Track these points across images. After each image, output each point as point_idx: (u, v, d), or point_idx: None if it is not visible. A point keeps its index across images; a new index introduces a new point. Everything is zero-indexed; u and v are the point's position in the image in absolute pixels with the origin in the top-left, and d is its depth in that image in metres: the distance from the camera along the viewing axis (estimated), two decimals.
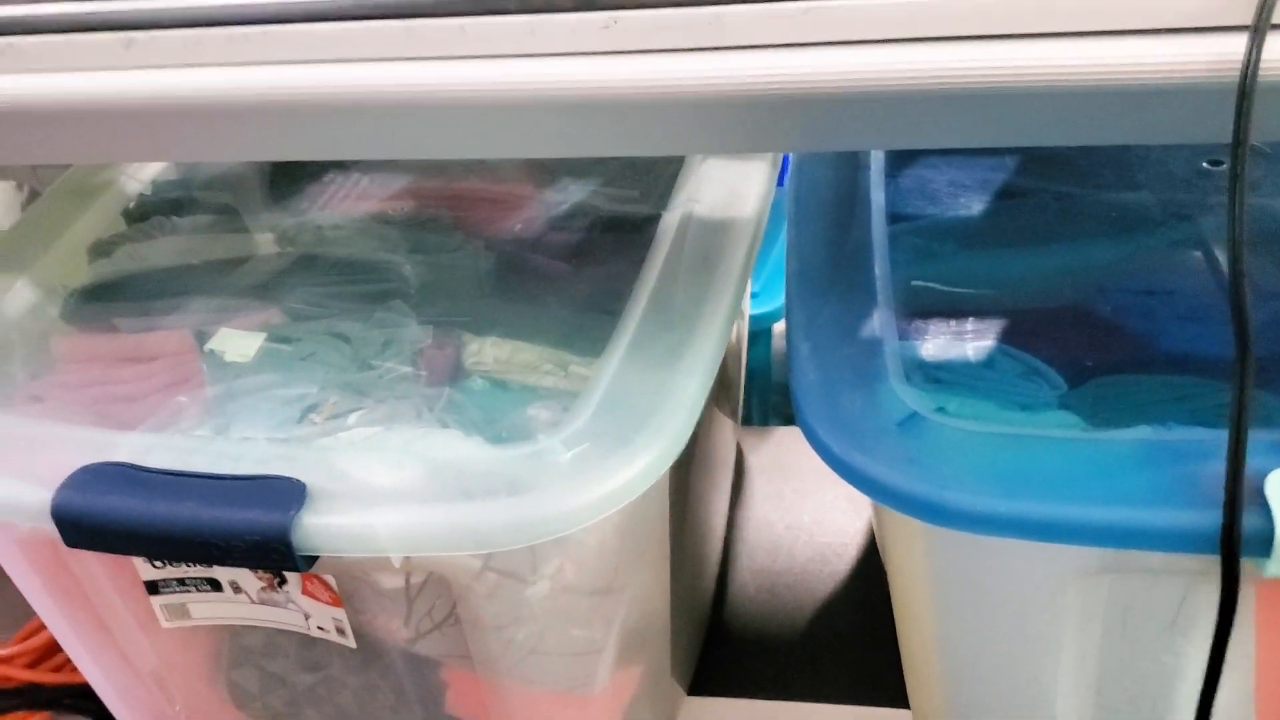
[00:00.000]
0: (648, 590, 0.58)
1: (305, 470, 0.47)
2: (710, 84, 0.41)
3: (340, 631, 0.54)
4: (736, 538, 0.86)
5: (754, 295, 0.97)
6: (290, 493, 0.46)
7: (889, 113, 0.43)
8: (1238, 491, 0.40)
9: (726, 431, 0.83)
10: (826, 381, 0.49)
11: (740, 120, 0.44)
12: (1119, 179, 0.59)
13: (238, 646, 0.59)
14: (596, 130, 0.45)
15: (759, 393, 1.06)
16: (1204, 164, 0.59)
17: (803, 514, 0.88)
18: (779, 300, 1.00)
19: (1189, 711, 0.50)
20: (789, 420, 1.21)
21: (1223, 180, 0.57)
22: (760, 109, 0.43)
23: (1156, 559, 0.44)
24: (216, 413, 0.55)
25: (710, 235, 0.60)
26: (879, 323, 0.51)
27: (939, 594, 0.51)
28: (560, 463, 0.47)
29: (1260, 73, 0.36)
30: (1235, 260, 0.37)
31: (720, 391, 0.76)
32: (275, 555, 0.46)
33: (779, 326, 1.21)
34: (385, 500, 0.47)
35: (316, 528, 0.46)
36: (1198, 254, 0.54)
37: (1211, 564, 0.41)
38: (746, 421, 1.02)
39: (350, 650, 0.55)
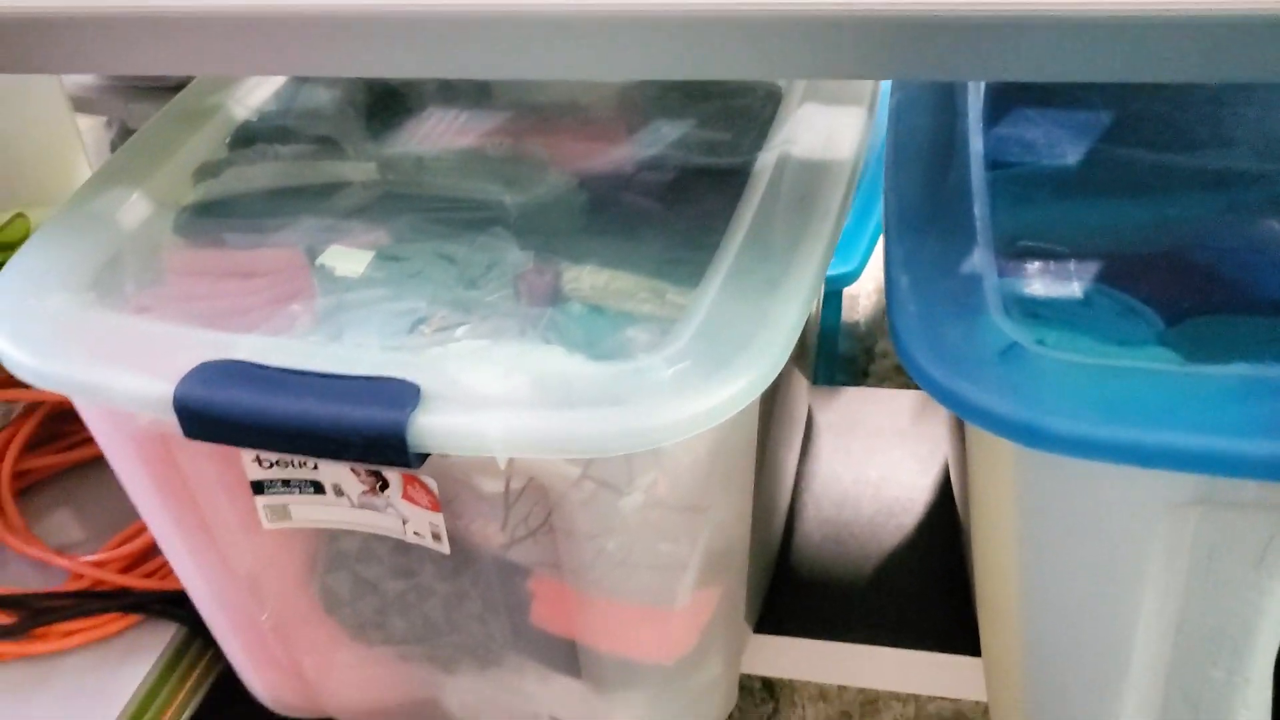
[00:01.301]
0: (731, 515, 0.59)
1: (419, 374, 0.49)
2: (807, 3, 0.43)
3: (436, 537, 0.56)
4: (804, 489, 0.87)
5: None
6: (406, 393, 0.48)
7: (989, 39, 0.44)
8: None
9: (801, 387, 0.84)
10: (926, 314, 0.50)
11: (837, 42, 0.45)
12: (1215, 136, 0.60)
13: (334, 551, 0.62)
14: (685, 50, 0.47)
15: (826, 354, 1.07)
16: None
17: (870, 469, 0.89)
18: (851, 263, 1.01)
19: (1269, 653, 0.51)
20: (855, 381, 1.22)
21: None
22: (858, 31, 0.44)
23: (1248, 491, 0.45)
24: (329, 322, 0.57)
25: (807, 175, 0.61)
26: (978, 260, 0.53)
27: (1026, 525, 0.52)
28: (661, 379, 0.49)
29: None
30: None
31: (798, 346, 0.78)
32: (391, 451, 0.48)
33: (850, 290, 1.22)
34: (494, 405, 0.48)
35: (430, 426, 0.48)
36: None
37: None
38: (814, 382, 1.03)
39: (443, 557, 0.57)
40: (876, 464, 0.90)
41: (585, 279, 0.60)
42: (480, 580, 0.59)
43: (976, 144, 0.61)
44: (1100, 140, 0.61)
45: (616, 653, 0.60)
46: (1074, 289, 0.52)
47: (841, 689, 0.95)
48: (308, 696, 0.70)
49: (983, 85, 0.64)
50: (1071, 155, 0.60)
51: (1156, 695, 0.54)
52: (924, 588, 0.80)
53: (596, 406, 0.48)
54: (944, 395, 0.47)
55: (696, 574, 0.58)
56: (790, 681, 0.96)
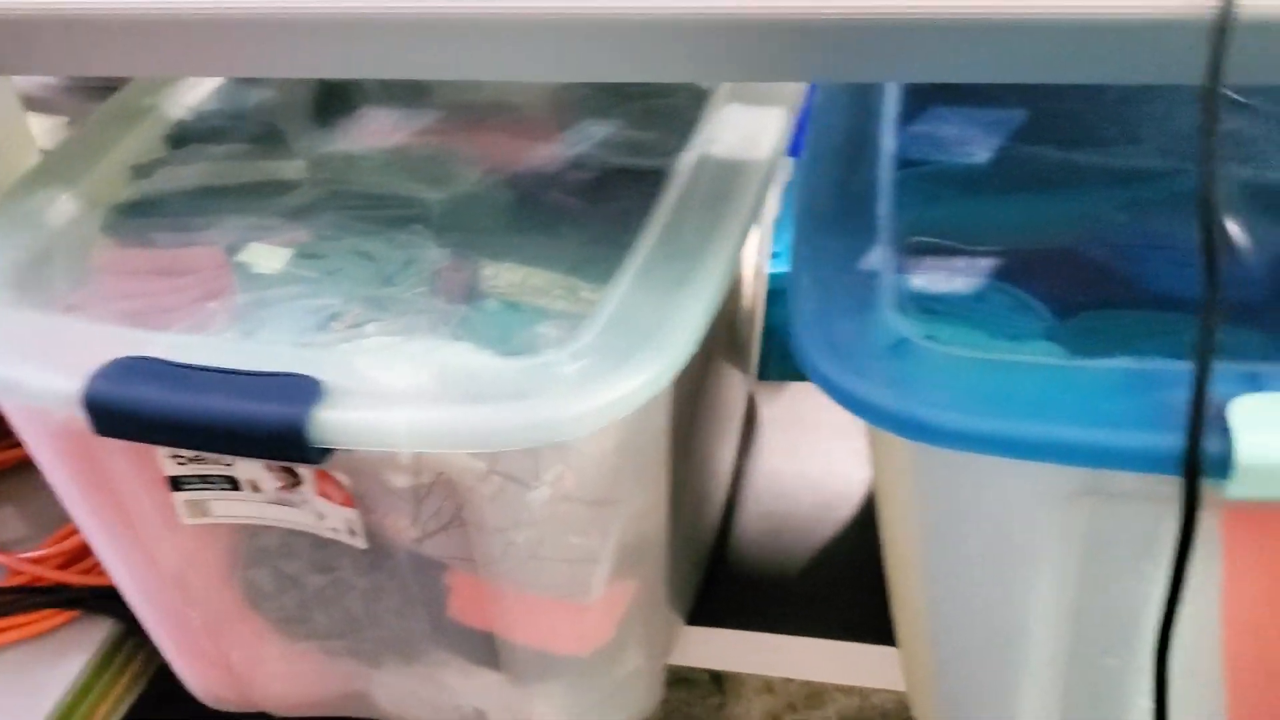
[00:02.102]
0: (645, 509, 0.60)
1: (324, 369, 0.50)
2: (725, 7, 0.44)
3: (352, 532, 0.57)
4: (745, 483, 0.88)
5: (775, 255, 0.98)
6: (308, 388, 0.49)
7: (897, 43, 0.45)
8: (1200, 414, 0.42)
9: (735, 382, 0.85)
10: (822, 310, 0.51)
11: (753, 46, 0.46)
12: (1122, 134, 0.61)
13: (255, 546, 0.62)
14: (607, 54, 0.48)
15: (778, 350, 1.07)
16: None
17: (811, 465, 0.90)
18: None
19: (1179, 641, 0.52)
20: (802, 377, 1.23)
21: (1226, 137, 0.59)
22: (774, 34, 0.45)
23: (1130, 482, 0.46)
24: (244, 319, 0.58)
25: (723, 174, 0.62)
26: (877, 257, 0.53)
27: (925, 517, 0.53)
28: (565, 373, 0.50)
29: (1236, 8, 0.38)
30: (1206, 185, 0.39)
31: (730, 343, 0.79)
32: (291, 447, 0.49)
33: None
34: (398, 399, 0.49)
35: (332, 421, 0.48)
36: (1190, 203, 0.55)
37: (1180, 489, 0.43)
38: (764, 377, 1.04)
39: (360, 552, 0.58)
40: (818, 459, 0.90)
41: (502, 276, 0.61)
42: (397, 575, 0.59)
43: (889, 143, 0.61)
44: (1010, 138, 0.62)
45: (533, 645, 0.61)
46: (970, 284, 0.52)
47: (787, 681, 0.96)
48: (240, 691, 0.71)
49: (899, 85, 0.65)
50: (981, 153, 0.61)
51: (1058, 683, 0.55)
52: (863, 581, 0.81)
53: (500, 401, 0.49)
54: (832, 389, 0.48)
55: (610, 567, 0.59)
56: (738, 674, 0.97)
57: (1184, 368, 0.45)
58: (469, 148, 0.72)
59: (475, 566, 0.57)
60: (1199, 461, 0.42)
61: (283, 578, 0.63)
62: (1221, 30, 0.38)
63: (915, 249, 0.55)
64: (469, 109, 0.76)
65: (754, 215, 0.60)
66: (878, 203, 0.57)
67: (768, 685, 0.96)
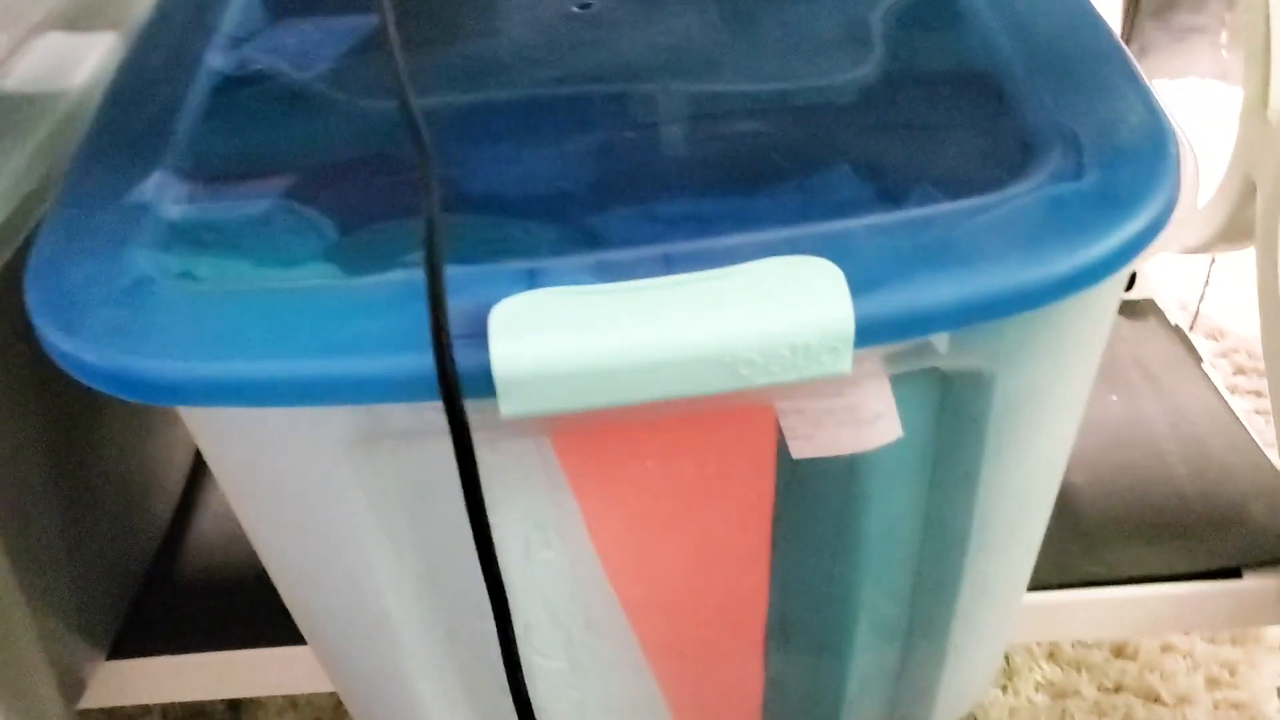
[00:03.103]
0: None
1: None
2: None
3: None
4: (202, 502, 0.75)
5: None
6: None
7: None
8: (442, 325, 0.34)
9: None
10: (61, 253, 0.41)
11: None
12: (482, 26, 0.54)
13: None
14: None
15: None
16: (573, 8, 0.54)
17: None
18: None
19: (533, 600, 0.45)
20: None
21: (590, 20, 0.53)
22: None
23: (412, 416, 0.38)
24: None
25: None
26: (152, 186, 0.44)
27: (229, 489, 0.44)
28: None
29: None
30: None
31: None
32: None
33: None
34: None
35: None
36: (543, 97, 0.49)
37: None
38: None
39: None
40: None
41: None
42: None
43: (216, 59, 0.52)
44: (365, 38, 0.53)
45: None
46: (256, 207, 0.43)
47: (311, 696, 0.86)
48: None
49: None
50: (324, 62, 0.52)
51: (440, 653, 0.48)
52: None
53: None
54: (49, 344, 0.38)
55: None
56: (256, 698, 0.86)
57: (464, 272, 0.38)
58: None
59: None
60: (455, 378, 0.35)
61: None
62: None
63: (210, 175, 0.45)
64: None
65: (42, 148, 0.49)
66: (175, 127, 0.47)
67: (291, 702, 0.86)
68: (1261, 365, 1.11)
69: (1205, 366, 0.78)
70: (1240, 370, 1.11)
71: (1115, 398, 0.75)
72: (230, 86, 0.50)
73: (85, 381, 0.37)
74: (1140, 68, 0.44)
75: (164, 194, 0.44)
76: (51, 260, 0.41)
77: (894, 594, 0.49)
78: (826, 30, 0.50)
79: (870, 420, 0.41)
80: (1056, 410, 0.44)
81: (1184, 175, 0.39)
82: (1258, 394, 1.08)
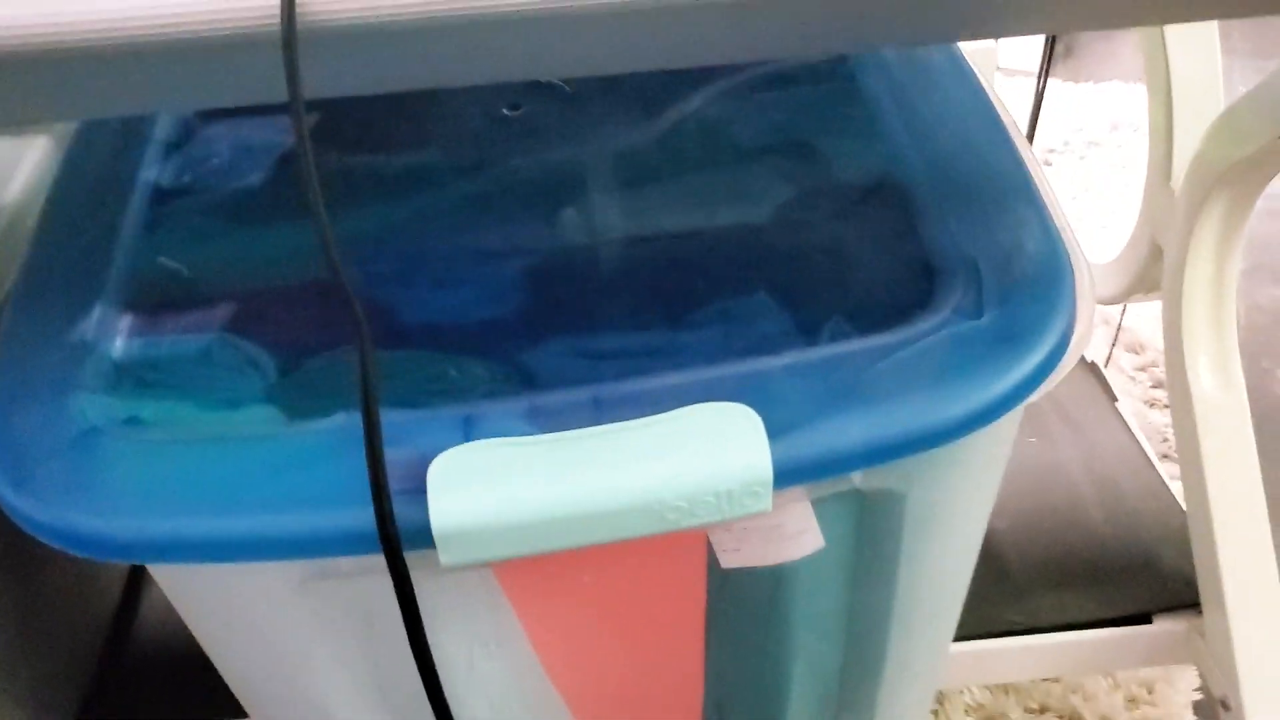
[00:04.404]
0: None
1: None
2: None
3: None
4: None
5: None
6: None
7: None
8: (382, 486, 0.36)
9: None
10: (7, 400, 0.42)
11: None
12: (414, 135, 0.55)
13: None
14: None
15: None
16: (504, 110, 0.56)
17: None
18: None
19: (479, 701, 0.47)
20: None
21: (520, 126, 0.54)
22: None
23: (355, 562, 0.40)
24: None
25: None
26: (93, 321, 0.45)
27: (184, 615, 0.45)
28: None
29: (301, 18, 0.32)
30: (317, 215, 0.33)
31: None
32: None
33: None
34: None
35: None
36: (472, 212, 0.50)
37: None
38: None
39: None
40: None
41: None
42: None
43: (149, 173, 0.53)
44: (290, 148, 0.54)
45: None
46: (194, 342, 0.45)
47: None
48: None
49: None
50: (256, 172, 0.53)
51: None
52: None
53: None
54: (2, 502, 0.39)
55: None
56: None
57: (405, 418, 0.40)
58: None
59: None
60: (396, 539, 0.37)
61: None
62: (290, 43, 0.32)
63: (154, 304, 0.47)
64: None
65: None
66: (114, 251, 0.48)
67: None
68: None
69: (1119, 405, 0.82)
70: (1159, 384, 1.16)
71: (1034, 440, 0.78)
72: (166, 201, 0.51)
73: (36, 537, 0.39)
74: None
75: (106, 329, 0.45)
76: (2, 405, 0.42)
77: (822, 678, 0.51)
78: (745, 140, 0.52)
79: (794, 536, 0.44)
80: (964, 516, 0.47)
81: (1080, 295, 0.42)
82: None
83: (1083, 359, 0.86)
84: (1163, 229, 0.67)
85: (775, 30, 0.35)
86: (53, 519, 0.38)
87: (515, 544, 0.37)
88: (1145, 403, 1.14)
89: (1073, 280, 0.42)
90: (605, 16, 0.33)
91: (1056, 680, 0.87)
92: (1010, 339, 0.40)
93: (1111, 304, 0.79)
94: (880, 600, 0.48)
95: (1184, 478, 0.65)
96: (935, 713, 0.86)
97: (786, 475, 0.38)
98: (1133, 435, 0.78)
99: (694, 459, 0.37)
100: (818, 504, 0.43)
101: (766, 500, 0.38)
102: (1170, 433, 1.08)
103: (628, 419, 0.38)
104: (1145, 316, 1.23)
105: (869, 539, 0.45)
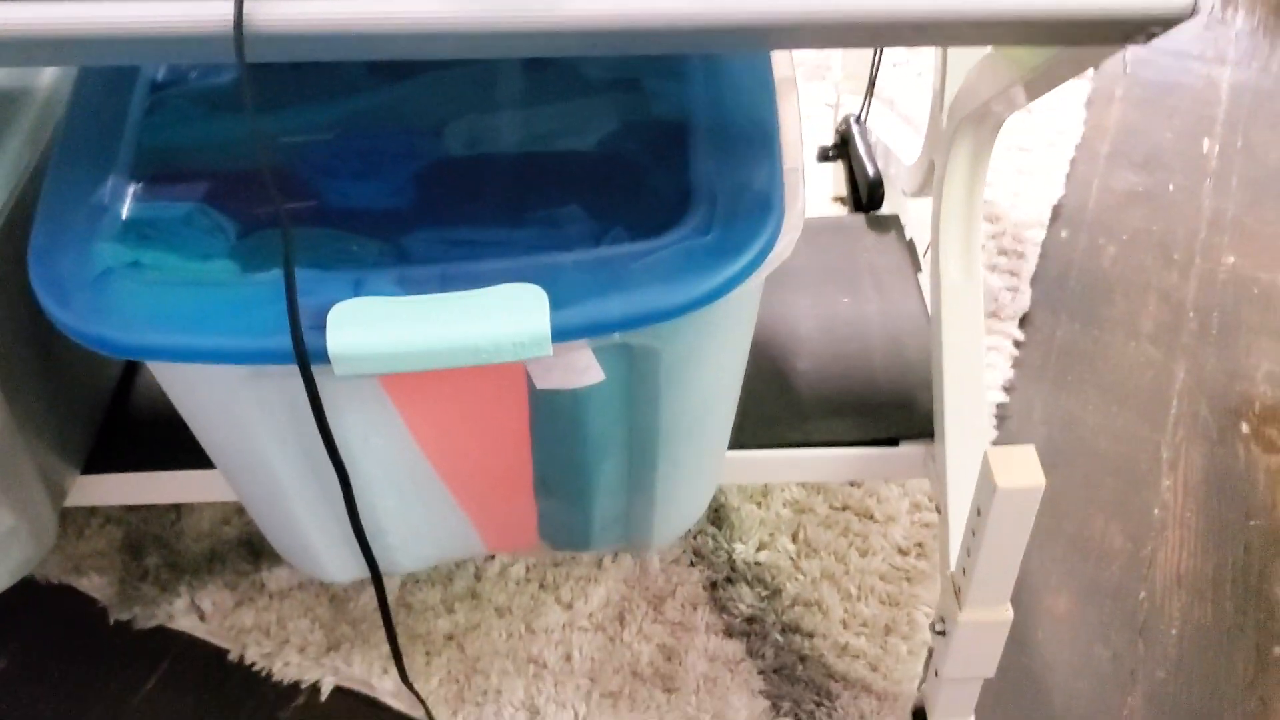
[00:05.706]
0: None
1: None
2: None
3: None
4: None
5: None
6: None
7: None
8: (296, 322, 0.57)
9: None
10: (49, 245, 0.62)
11: None
12: (348, 82, 0.73)
13: None
14: None
15: None
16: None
17: None
18: None
19: (374, 470, 0.69)
20: None
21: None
22: None
23: (279, 370, 0.61)
24: None
25: None
26: (109, 187, 0.64)
27: (172, 397, 0.66)
28: None
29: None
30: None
31: None
32: None
33: None
34: None
35: None
36: (388, 120, 0.69)
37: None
38: None
39: None
40: None
41: None
42: None
43: (150, 68, 0.71)
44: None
45: None
46: (182, 209, 0.64)
47: (228, 503, 1.10)
48: None
49: None
50: (228, 73, 0.72)
51: (312, 496, 0.72)
52: None
53: None
54: (56, 321, 0.59)
55: None
56: (190, 504, 1.10)
57: (315, 277, 0.60)
58: None
59: None
60: (306, 355, 0.57)
61: None
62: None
63: (152, 175, 0.66)
64: None
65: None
66: (124, 129, 0.67)
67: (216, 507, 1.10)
68: (1019, 248, 1.36)
69: (921, 276, 1.02)
70: (1003, 252, 1.36)
71: (847, 300, 0.99)
72: (163, 97, 0.70)
73: (74, 340, 0.59)
74: None
75: (117, 195, 0.64)
76: (44, 250, 0.62)
77: (615, 467, 0.74)
78: (594, 76, 0.70)
79: (581, 371, 0.65)
80: (713, 366, 0.68)
81: (788, 226, 0.62)
82: (1011, 273, 1.34)
83: (901, 235, 1.06)
84: (933, 148, 0.86)
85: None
86: (84, 330, 0.58)
87: (381, 366, 0.58)
88: (989, 268, 1.35)
89: (781, 213, 0.62)
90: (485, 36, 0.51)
91: (859, 486, 1.11)
92: (723, 251, 0.60)
93: (914, 198, 0.98)
94: (650, 420, 0.69)
95: (931, 339, 0.86)
96: (759, 504, 1.10)
97: (565, 333, 0.58)
98: (922, 300, 0.99)
99: (499, 319, 0.58)
100: (598, 351, 0.64)
101: (547, 348, 0.58)
102: (1001, 298, 1.30)
103: (464, 290, 0.59)
104: (1003, 190, 1.43)
105: (638, 378, 0.66)
